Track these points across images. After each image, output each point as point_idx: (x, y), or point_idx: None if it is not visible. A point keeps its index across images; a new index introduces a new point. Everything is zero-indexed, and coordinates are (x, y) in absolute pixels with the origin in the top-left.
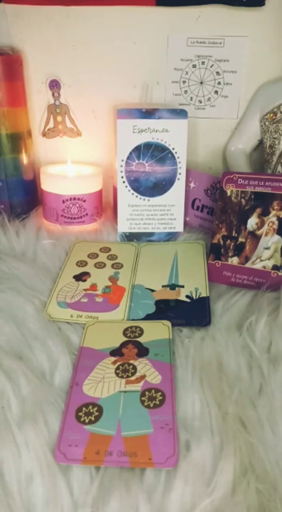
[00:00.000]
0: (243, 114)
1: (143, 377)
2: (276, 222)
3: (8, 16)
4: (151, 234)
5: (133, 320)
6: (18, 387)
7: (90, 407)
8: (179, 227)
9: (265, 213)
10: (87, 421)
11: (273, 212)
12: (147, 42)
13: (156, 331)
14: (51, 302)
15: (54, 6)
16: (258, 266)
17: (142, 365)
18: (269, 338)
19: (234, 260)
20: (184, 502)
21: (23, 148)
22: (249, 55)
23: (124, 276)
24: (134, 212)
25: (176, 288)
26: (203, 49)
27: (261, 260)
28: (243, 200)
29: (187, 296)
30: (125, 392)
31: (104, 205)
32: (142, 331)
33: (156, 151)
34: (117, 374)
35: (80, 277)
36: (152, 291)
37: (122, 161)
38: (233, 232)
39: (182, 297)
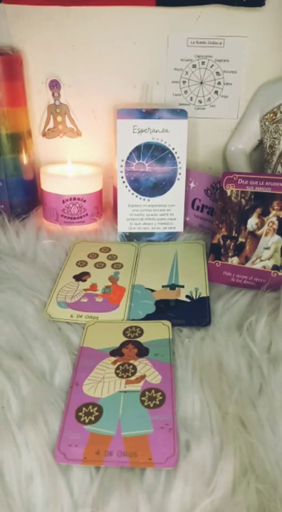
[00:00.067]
0: (243, 114)
1: (143, 377)
2: (276, 222)
3: (8, 16)
4: (151, 234)
5: (133, 320)
6: (18, 387)
7: (90, 407)
8: (179, 227)
9: (265, 213)
10: (87, 421)
11: (273, 213)
12: (147, 42)
13: (156, 331)
14: (51, 302)
15: (54, 6)
16: (258, 266)
17: (142, 365)
18: (269, 338)
19: (234, 260)
20: (184, 502)
21: (23, 148)
22: (249, 55)
23: (124, 276)
24: (134, 212)
25: (176, 288)
26: (203, 49)
27: (261, 260)
28: (243, 200)
29: (187, 296)
30: (125, 392)
31: (104, 205)
32: (142, 331)
33: (156, 151)
34: (117, 374)
35: (80, 277)
36: (152, 291)
37: (122, 161)
38: (233, 232)
39: (182, 297)
